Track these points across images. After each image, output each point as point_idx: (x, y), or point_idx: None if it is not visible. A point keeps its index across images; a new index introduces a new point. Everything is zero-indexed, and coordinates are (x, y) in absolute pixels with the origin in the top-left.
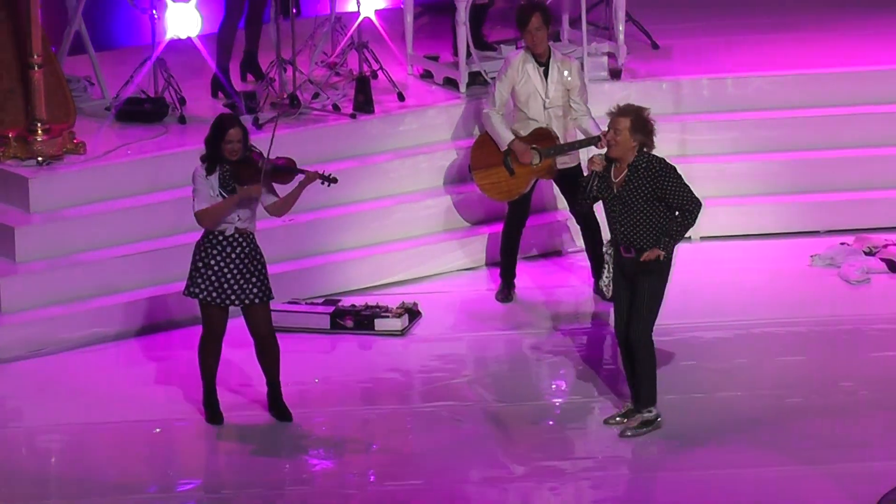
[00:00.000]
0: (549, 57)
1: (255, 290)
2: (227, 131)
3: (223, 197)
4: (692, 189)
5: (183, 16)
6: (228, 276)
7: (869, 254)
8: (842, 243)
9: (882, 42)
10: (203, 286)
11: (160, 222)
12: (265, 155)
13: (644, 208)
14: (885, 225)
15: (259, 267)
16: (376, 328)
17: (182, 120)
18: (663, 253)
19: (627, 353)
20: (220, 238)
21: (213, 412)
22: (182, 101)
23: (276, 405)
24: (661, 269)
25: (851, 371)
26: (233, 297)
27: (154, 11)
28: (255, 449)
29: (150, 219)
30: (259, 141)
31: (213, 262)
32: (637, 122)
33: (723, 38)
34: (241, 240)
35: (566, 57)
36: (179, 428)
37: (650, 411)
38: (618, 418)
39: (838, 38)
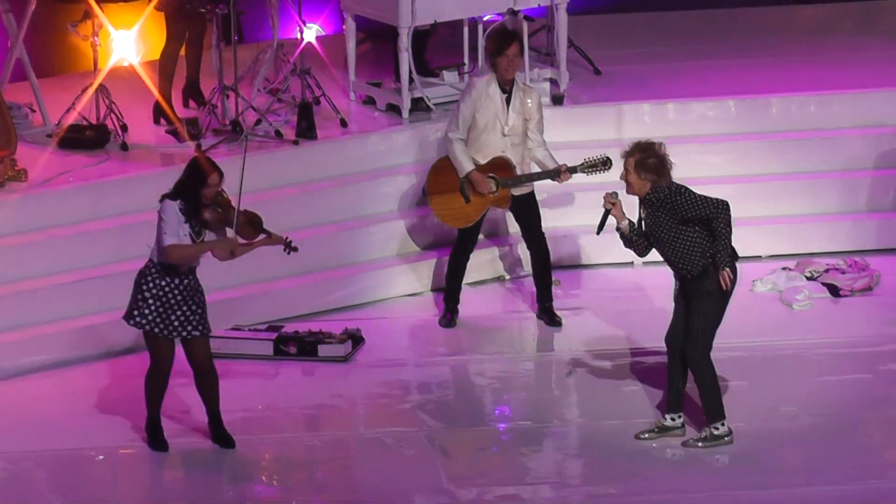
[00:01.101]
0: (513, 85)
1: (194, 323)
2: (208, 178)
3: (192, 239)
4: (708, 196)
5: (125, 43)
6: (175, 307)
7: (810, 278)
8: (783, 268)
9: (824, 68)
10: (150, 317)
11: (103, 249)
12: (235, 205)
13: (673, 237)
14: (827, 249)
15: (200, 300)
16: (320, 354)
17: (124, 147)
18: (729, 270)
19: (677, 363)
20: (170, 270)
21: (157, 439)
22: (124, 128)
23: (218, 433)
24: (718, 290)
25: (794, 396)
26: (179, 329)
27: (96, 38)
28: (199, 476)
29: (92, 246)
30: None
31: (160, 293)
32: (641, 161)
33: (664, 64)
34: (188, 273)
35: (528, 87)
36: (123, 455)
37: (717, 428)
38: (646, 434)
39: (780, 64)
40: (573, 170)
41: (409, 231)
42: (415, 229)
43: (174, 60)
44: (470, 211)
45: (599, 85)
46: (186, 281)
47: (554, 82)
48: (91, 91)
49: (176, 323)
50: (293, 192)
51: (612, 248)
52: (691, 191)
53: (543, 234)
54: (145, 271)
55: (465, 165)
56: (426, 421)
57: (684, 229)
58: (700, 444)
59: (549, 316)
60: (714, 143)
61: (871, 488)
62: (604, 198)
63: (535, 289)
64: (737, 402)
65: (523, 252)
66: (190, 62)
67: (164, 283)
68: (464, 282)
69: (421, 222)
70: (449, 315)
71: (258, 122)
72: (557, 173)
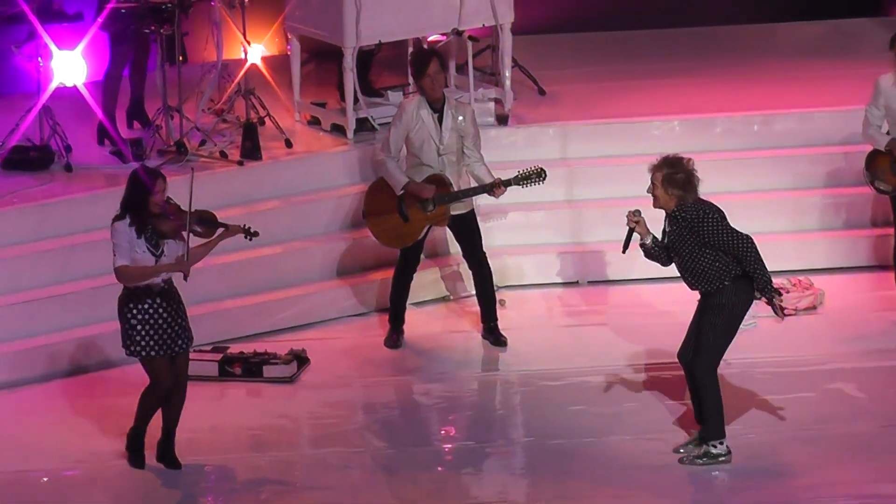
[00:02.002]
0: (444, 103)
1: (183, 337)
2: (154, 185)
3: (151, 253)
4: (735, 230)
5: (69, 63)
6: (165, 325)
7: (755, 297)
8: None
9: (766, 87)
10: (144, 342)
11: (47, 270)
12: (183, 207)
13: (692, 256)
14: (774, 269)
15: (183, 311)
16: (265, 375)
17: (68, 168)
18: (781, 297)
19: (690, 378)
20: (149, 291)
21: (139, 456)
22: (68, 149)
23: (167, 453)
24: (730, 307)
25: (738, 414)
26: (171, 345)
27: (39, 59)
28: (144, 497)
29: (36, 267)
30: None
31: (146, 316)
32: (669, 176)
33: (609, 83)
34: (167, 288)
35: (461, 103)
36: (67, 477)
37: (715, 446)
38: (682, 450)
39: (724, 83)
40: (507, 183)
41: (354, 251)
42: (360, 249)
43: (117, 81)
44: (408, 231)
45: (544, 105)
46: (168, 297)
47: (499, 102)
48: (35, 112)
49: (169, 341)
50: (238, 213)
51: (555, 268)
52: (720, 219)
53: (485, 253)
54: (124, 299)
55: (401, 180)
56: (372, 441)
57: (705, 252)
58: (698, 461)
59: (493, 336)
60: None
61: None
62: (626, 217)
63: (479, 308)
64: (681, 420)
65: (466, 272)
66: (134, 83)
67: (146, 305)
68: (409, 302)
69: (366, 242)
70: (395, 336)
71: (203, 142)
72: (492, 187)
